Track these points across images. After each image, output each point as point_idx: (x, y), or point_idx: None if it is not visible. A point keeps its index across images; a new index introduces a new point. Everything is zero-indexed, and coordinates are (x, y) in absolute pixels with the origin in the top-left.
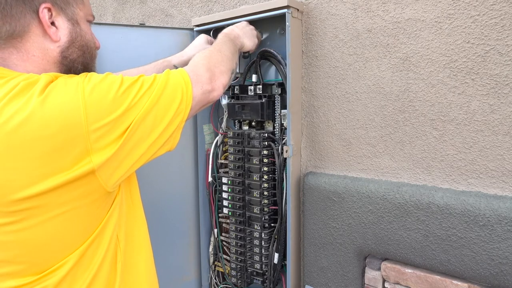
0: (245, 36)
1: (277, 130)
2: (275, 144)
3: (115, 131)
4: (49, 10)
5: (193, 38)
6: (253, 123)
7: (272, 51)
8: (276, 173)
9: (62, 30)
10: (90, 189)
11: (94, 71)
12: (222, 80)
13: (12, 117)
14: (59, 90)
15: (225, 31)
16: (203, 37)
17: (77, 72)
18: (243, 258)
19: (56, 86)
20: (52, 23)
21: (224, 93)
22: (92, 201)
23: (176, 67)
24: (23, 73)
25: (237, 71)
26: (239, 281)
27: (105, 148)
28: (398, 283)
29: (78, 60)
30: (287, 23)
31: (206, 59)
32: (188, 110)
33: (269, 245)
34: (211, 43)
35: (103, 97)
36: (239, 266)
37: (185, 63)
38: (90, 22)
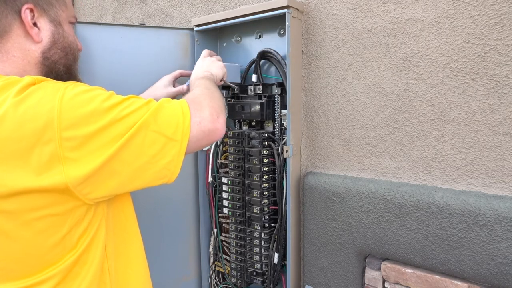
0: (211, 69)
1: (277, 130)
2: (275, 144)
3: (92, 144)
4: (32, 11)
5: (193, 38)
6: (253, 123)
7: (272, 51)
8: (276, 173)
9: (44, 31)
10: (64, 198)
11: (76, 72)
12: (223, 117)
13: None
14: (39, 93)
15: (196, 75)
16: (166, 78)
17: (59, 73)
18: (243, 258)
19: (37, 89)
20: (35, 24)
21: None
22: (67, 210)
23: None
24: (1, 75)
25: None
26: (239, 281)
27: (80, 161)
28: (398, 283)
29: (60, 62)
30: (287, 23)
31: (203, 96)
32: (185, 142)
33: (269, 245)
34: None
35: (82, 107)
36: (239, 266)
37: None
38: (72, 23)
